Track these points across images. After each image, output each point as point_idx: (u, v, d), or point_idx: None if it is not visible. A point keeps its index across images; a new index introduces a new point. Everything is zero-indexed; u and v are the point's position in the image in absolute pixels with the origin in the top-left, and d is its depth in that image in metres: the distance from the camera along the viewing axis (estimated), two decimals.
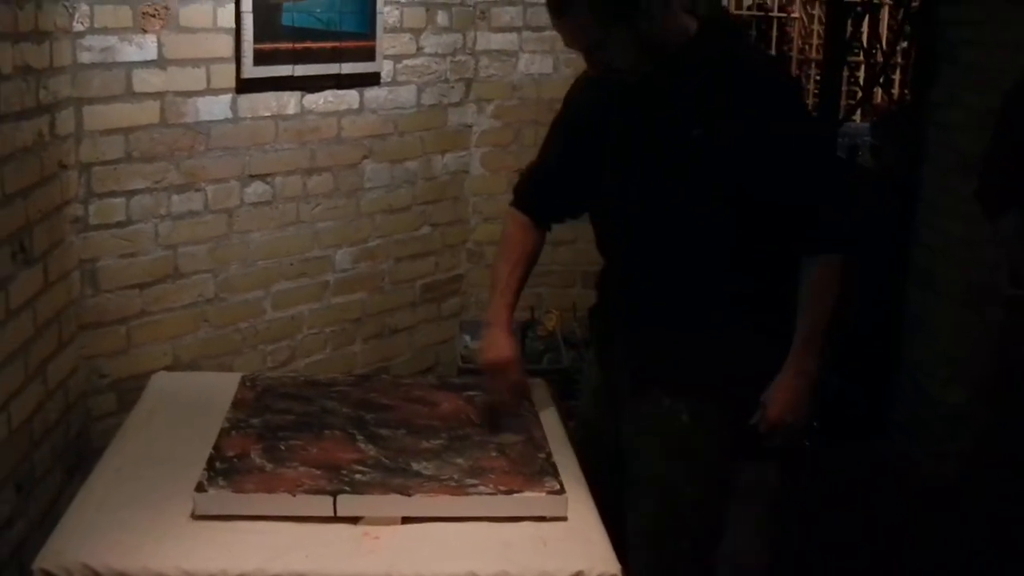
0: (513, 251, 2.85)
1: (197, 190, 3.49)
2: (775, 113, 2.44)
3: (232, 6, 3.44)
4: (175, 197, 3.43)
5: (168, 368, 3.45)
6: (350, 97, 3.93)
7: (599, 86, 2.64)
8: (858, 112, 7.08)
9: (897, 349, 4.93)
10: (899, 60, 5.64)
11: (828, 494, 4.24)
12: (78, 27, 3.09)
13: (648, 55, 2.45)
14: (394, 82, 4.07)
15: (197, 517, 2.36)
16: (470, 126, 4.46)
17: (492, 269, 2.90)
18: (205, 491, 2.38)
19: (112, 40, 3.18)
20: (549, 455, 2.61)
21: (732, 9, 9.20)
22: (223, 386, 3.06)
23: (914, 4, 4.98)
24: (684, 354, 2.62)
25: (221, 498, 2.37)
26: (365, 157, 4.03)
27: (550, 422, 2.89)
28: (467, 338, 4.09)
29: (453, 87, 4.34)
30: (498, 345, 2.75)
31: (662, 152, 2.52)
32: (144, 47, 3.26)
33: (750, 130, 2.41)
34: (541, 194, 2.83)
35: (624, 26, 2.38)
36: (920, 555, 3.92)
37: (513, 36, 4.41)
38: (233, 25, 3.46)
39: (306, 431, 2.71)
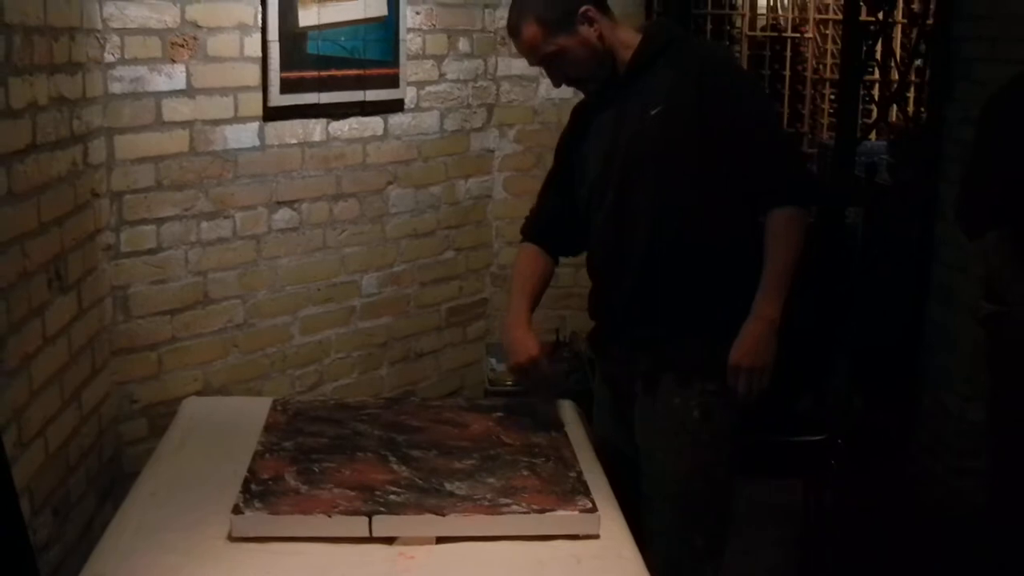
0: (524, 268, 3.06)
1: (226, 217, 3.54)
2: (723, 82, 2.72)
3: (258, 35, 3.50)
4: (204, 224, 3.48)
5: (198, 393, 3.49)
6: (375, 123, 3.98)
7: (576, 119, 2.99)
8: (873, 131, 7.12)
9: (919, 366, 4.94)
10: (914, 78, 5.66)
11: (853, 513, 4.25)
12: (109, 58, 3.15)
13: (601, 62, 2.78)
14: (417, 108, 4.13)
15: (234, 539, 2.39)
16: (492, 151, 4.52)
17: (510, 287, 3.09)
18: (242, 513, 2.41)
19: (142, 70, 3.24)
20: (580, 474, 2.64)
21: (745, 31, 9.27)
22: (253, 411, 3.10)
23: (928, 22, 5.01)
24: (689, 351, 2.78)
25: (258, 520, 2.41)
26: (390, 183, 4.08)
27: (579, 442, 2.92)
28: (493, 361, 4.13)
29: (475, 112, 4.40)
30: (523, 346, 2.91)
31: (630, 138, 2.77)
32: (173, 77, 3.32)
33: (703, 98, 2.68)
34: (544, 226, 3.06)
35: (569, 35, 2.73)
36: (944, 571, 3.95)
37: None
38: (260, 54, 3.52)
39: (339, 453, 2.74)
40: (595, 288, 3.02)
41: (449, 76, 4.25)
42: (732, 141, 2.67)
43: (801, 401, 4.58)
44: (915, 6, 5.52)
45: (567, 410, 3.16)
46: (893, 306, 5.04)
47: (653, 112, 2.72)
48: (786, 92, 8.88)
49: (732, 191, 2.72)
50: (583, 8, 2.72)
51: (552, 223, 3.03)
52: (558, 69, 2.81)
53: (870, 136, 6.94)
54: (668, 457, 2.82)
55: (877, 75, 5.81)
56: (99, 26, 3.10)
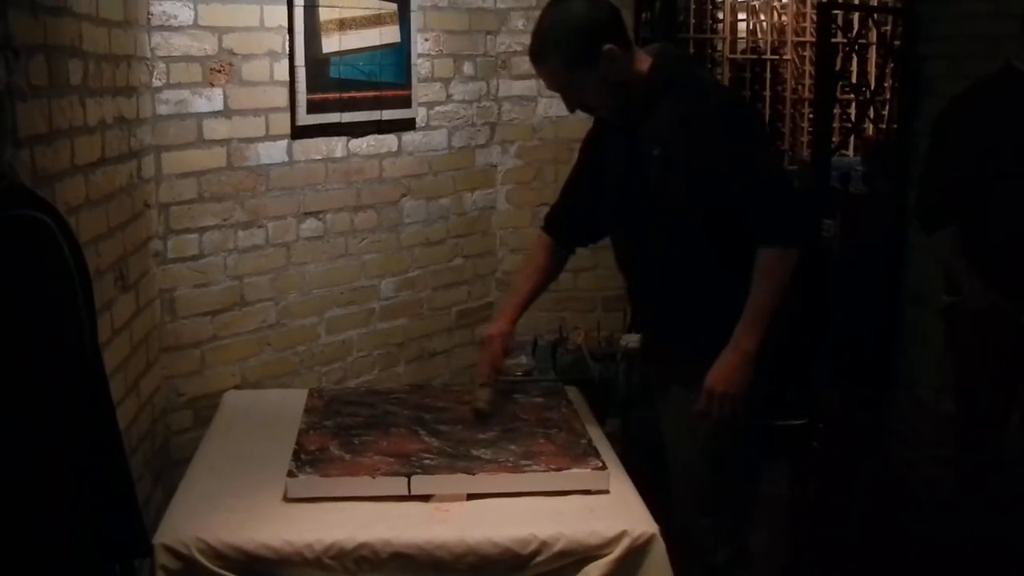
0: (528, 265, 3.40)
1: (259, 226, 3.81)
2: (710, 132, 2.80)
3: (287, 61, 3.78)
4: (240, 233, 3.75)
5: (236, 387, 3.78)
6: (390, 141, 4.25)
7: (599, 127, 3.14)
8: (851, 145, 7.49)
9: (894, 363, 5.26)
10: (887, 96, 6.04)
11: (833, 500, 4.54)
12: (156, 83, 3.45)
13: (612, 93, 2.89)
14: (428, 127, 4.41)
15: (289, 500, 2.72)
16: (495, 166, 4.80)
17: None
18: (295, 476, 2.74)
19: (185, 94, 3.53)
20: (590, 440, 2.99)
21: (727, 54, 9.61)
22: (289, 400, 3.44)
23: (896, 43, 5.37)
24: (691, 348, 2.95)
25: (310, 483, 2.74)
26: (404, 195, 4.36)
27: (586, 418, 3.27)
28: None
29: (479, 130, 4.68)
30: (493, 325, 3.30)
31: (636, 173, 2.93)
32: (212, 99, 3.60)
33: (693, 146, 2.79)
34: (561, 219, 3.33)
35: (589, 71, 2.84)
36: (918, 554, 4.22)
37: (532, 83, 4.74)
38: (288, 78, 3.80)
39: (375, 429, 3.07)
40: (626, 287, 3.30)
41: (455, 97, 4.54)
42: (721, 187, 2.79)
43: (786, 395, 4.89)
44: (885, 30, 5.90)
45: (572, 394, 3.51)
46: (869, 307, 5.34)
47: (655, 154, 2.85)
48: (766, 112, 9.19)
49: (728, 229, 2.84)
50: (607, 48, 2.81)
51: (566, 217, 3.30)
52: (574, 99, 2.95)
53: (847, 151, 7.32)
54: (674, 443, 3.07)
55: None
56: (148, 54, 3.41)
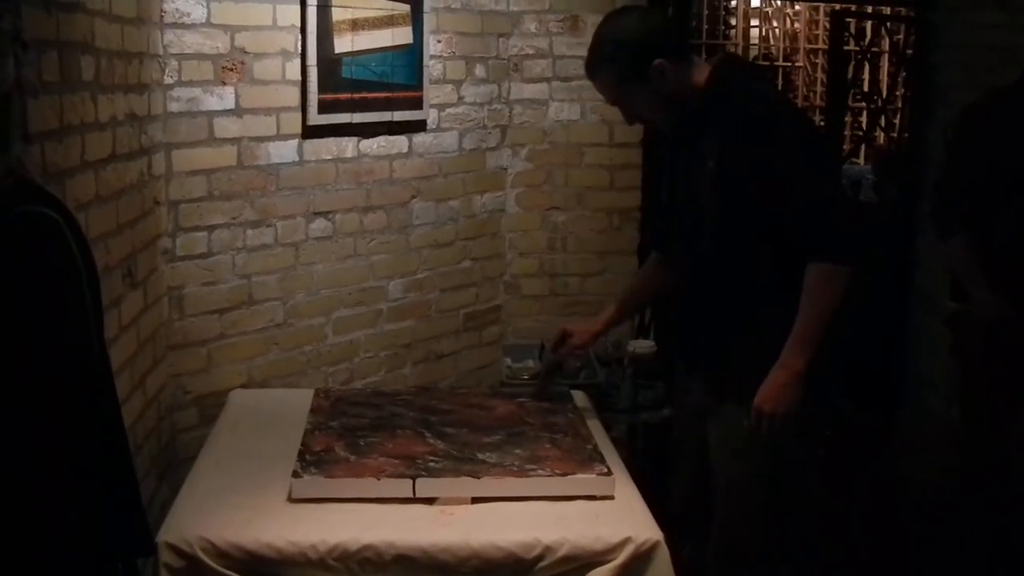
0: (632, 277, 3.49)
1: (268, 225, 3.81)
2: (763, 146, 2.72)
3: (299, 61, 3.78)
4: (250, 232, 3.75)
5: (243, 386, 3.77)
6: (400, 142, 4.25)
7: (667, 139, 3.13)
8: (862, 154, 7.48)
9: (904, 371, 5.25)
10: (899, 104, 6.03)
11: (840, 506, 4.53)
12: (168, 80, 3.45)
13: (667, 107, 2.89)
14: (438, 128, 4.40)
15: (293, 500, 2.72)
16: (506, 168, 4.78)
17: None
18: (300, 477, 2.75)
19: (196, 91, 3.53)
20: (596, 446, 2.98)
21: None
22: (295, 400, 3.44)
23: (908, 52, 5.37)
24: (742, 364, 2.86)
25: (315, 483, 2.74)
26: (414, 196, 4.36)
27: (592, 423, 3.27)
28: (508, 360, 4.41)
29: (490, 133, 4.67)
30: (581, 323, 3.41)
31: (693, 184, 2.91)
32: (224, 98, 3.60)
33: (743, 159, 2.73)
34: (654, 231, 3.34)
35: (641, 86, 2.85)
36: (923, 561, 4.20)
37: (544, 86, 4.75)
38: (299, 78, 3.79)
39: (380, 431, 3.08)
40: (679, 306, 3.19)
41: (467, 99, 4.53)
42: (772, 202, 2.71)
43: None
44: (898, 38, 5.89)
45: (580, 398, 3.51)
46: (878, 315, 5.33)
47: (709, 165, 2.80)
48: None
49: (782, 246, 2.75)
50: (656, 62, 2.79)
51: (659, 225, 3.31)
52: (629, 111, 2.97)
53: (857, 159, 7.31)
54: (723, 458, 2.96)
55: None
56: (160, 52, 3.41)
